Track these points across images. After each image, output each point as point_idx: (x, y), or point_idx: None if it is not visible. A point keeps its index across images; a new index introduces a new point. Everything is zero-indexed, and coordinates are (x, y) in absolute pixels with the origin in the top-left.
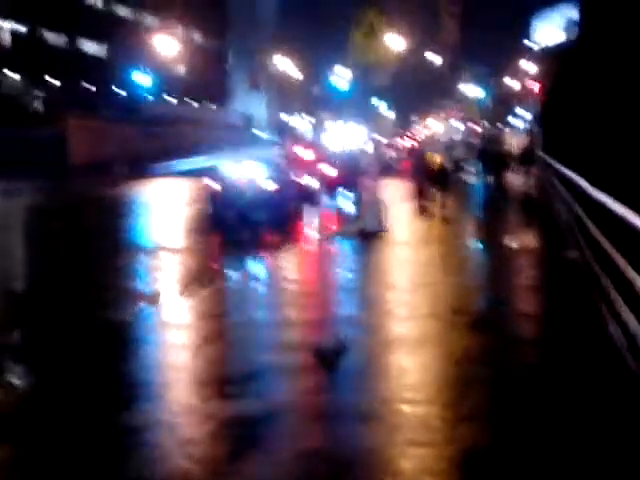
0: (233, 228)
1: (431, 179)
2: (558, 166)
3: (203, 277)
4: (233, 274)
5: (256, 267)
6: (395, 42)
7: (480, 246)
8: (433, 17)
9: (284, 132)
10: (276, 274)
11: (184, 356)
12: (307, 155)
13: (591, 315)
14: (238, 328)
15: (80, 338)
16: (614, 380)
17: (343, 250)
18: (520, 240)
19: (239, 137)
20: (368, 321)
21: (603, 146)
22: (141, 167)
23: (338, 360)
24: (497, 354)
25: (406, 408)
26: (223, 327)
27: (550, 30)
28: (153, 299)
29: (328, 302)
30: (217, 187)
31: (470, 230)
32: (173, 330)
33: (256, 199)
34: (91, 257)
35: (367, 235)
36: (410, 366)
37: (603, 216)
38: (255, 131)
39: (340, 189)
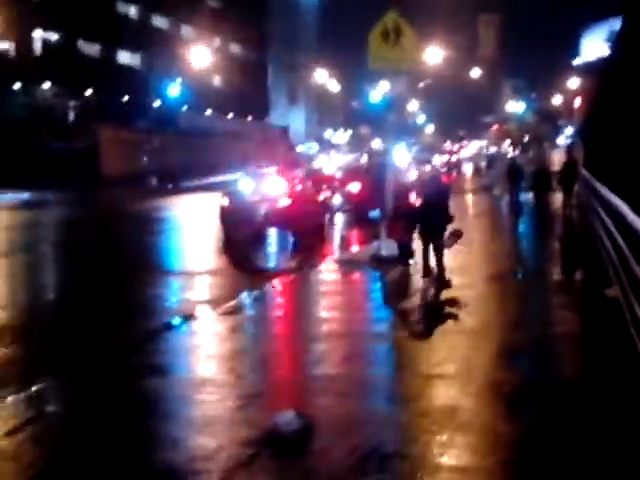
0: (242, 247)
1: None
2: (599, 187)
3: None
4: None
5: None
6: (430, 54)
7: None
8: (470, 28)
9: (322, 146)
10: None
11: None
12: (331, 170)
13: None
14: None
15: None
16: None
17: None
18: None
19: (275, 151)
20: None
21: None
22: (172, 180)
23: (301, 445)
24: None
25: None
26: None
27: (596, 44)
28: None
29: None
30: (226, 204)
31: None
32: None
33: (269, 216)
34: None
35: (382, 262)
36: None
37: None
38: (293, 145)
39: (368, 208)
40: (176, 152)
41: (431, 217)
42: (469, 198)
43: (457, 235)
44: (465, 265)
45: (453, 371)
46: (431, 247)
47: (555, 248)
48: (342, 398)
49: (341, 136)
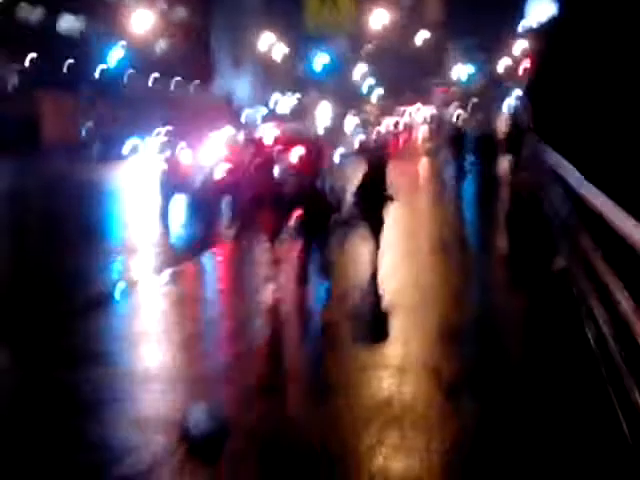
0: (181, 218)
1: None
2: (548, 152)
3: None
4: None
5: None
6: (375, 17)
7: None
8: None
9: (267, 111)
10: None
11: None
12: (271, 136)
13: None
14: None
15: None
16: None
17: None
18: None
19: (219, 116)
20: None
21: (596, 128)
22: (114, 148)
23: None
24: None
25: None
26: None
27: (543, 5)
28: None
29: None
30: (165, 172)
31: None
32: None
33: (206, 185)
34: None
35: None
36: None
37: (594, 217)
38: (238, 110)
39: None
40: (119, 118)
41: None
42: (413, 164)
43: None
44: (403, 236)
45: (390, 356)
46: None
47: (500, 216)
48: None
49: (287, 101)
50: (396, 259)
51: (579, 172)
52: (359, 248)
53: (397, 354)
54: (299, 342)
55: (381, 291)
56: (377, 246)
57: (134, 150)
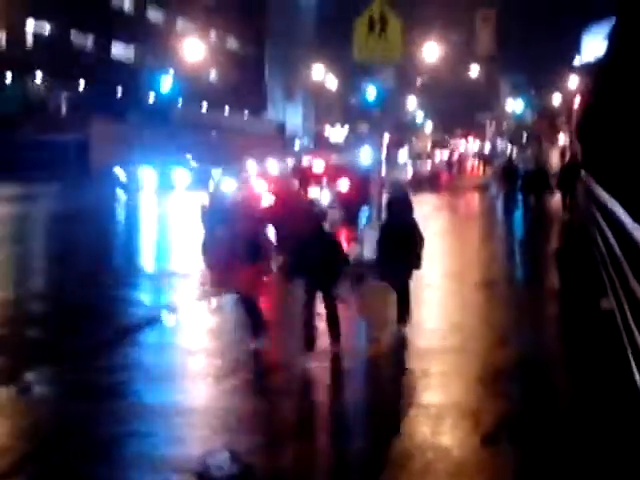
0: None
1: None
2: (597, 190)
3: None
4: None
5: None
6: (428, 50)
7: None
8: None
9: (319, 142)
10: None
11: None
12: (319, 166)
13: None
14: None
15: None
16: None
17: None
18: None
19: (271, 147)
20: None
21: None
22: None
23: None
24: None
25: None
26: None
27: (597, 43)
28: None
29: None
30: (207, 204)
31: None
32: None
33: (250, 217)
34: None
35: (365, 266)
36: None
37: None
38: (290, 140)
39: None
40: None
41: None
42: (464, 197)
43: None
44: (452, 270)
45: (429, 399)
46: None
47: (550, 253)
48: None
49: (338, 132)
50: (440, 296)
51: (628, 212)
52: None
53: (435, 398)
54: (337, 383)
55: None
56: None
57: (183, 179)
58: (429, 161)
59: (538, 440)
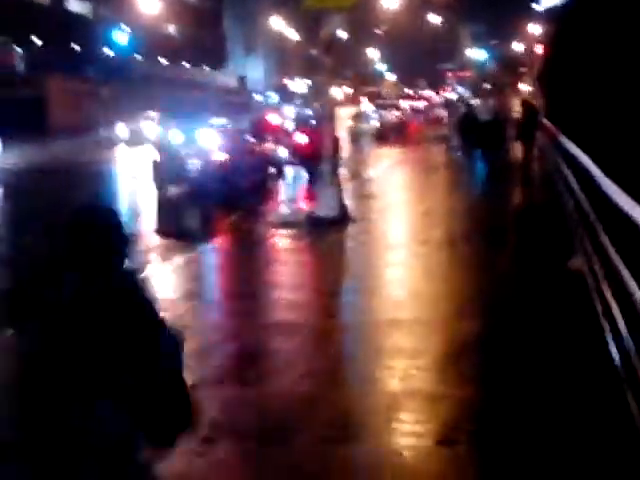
0: (177, 207)
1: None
2: (562, 140)
3: None
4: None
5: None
6: None
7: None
8: None
9: (282, 96)
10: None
11: None
12: (275, 121)
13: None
14: None
15: None
16: None
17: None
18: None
19: (232, 101)
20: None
21: (612, 116)
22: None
23: None
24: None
25: None
26: None
27: None
28: None
29: None
30: (158, 158)
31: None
32: None
33: (203, 172)
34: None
35: (317, 223)
36: None
37: (610, 209)
38: (254, 95)
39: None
40: (127, 102)
41: None
42: (428, 150)
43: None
44: (410, 229)
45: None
46: None
47: (511, 208)
48: None
49: (300, 85)
50: (402, 257)
51: (594, 162)
52: None
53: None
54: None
55: None
56: None
57: (135, 135)
58: (394, 111)
59: (504, 431)
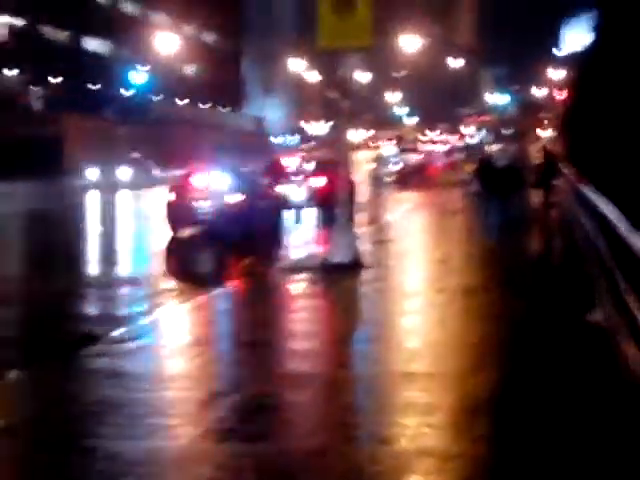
0: (189, 249)
1: None
2: (583, 189)
3: None
4: None
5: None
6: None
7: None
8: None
9: (302, 137)
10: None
11: None
12: (292, 163)
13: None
14: None
15: None
16: None
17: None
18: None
19: (250, 142)
20: None
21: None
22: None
23: None
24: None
25: None
26: None
27: (579, 35)
28: None
29: None
30: (174, 200)
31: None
32: None
33: (217, 214)
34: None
35: (330, 269)
36: None
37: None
38: (271, 137)
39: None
40: (144, 142)
41: None
42: (447, 194)
43: None
44: (426, 277)
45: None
46: None
47: (528, 256)
48: None
49: (320, 127)
50: (417, 305)
51: (617, 208)
52: None
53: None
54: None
55: None
56: None
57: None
58: (415, 155)
59: None
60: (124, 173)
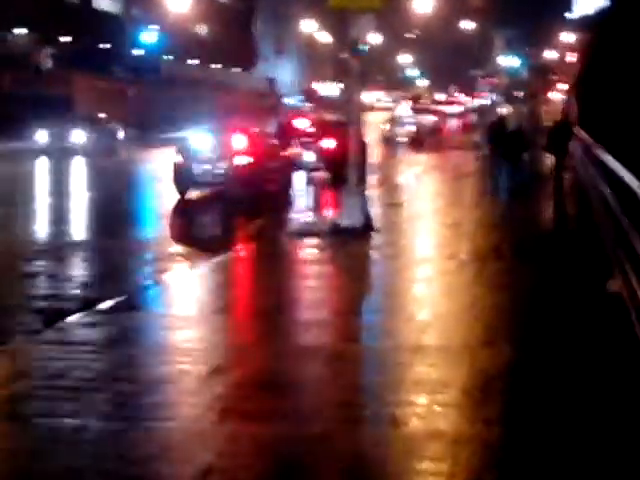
0: (197, 212)
1: None
2: (597, 152)
3: None
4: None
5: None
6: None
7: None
8: None
9: (310, 98)
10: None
11: None
12: (303, 124)
13: None
14: None
15: None
16: None
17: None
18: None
19: (261, 103)
20: None
21: None
22: (147, 133)
23: None
24: None
25: None
26: None
27: None
28: None
29: None
30: (181, 162)
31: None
32: None
33: (227, 176)
34: None
35: (340, 233)
36: None
37: None
38: (283, 98)
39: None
40: (155, 102)
41: None
42: (460, 156)
43: None
44: (435, 242)
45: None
46: None
47: (541, 222)
48: None
49: (331, 89)
50: (428, 273)
51: (630, 170)
52: None
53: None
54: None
55: None
56: None
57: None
58: (430, 116)
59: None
60: (78, 136)
